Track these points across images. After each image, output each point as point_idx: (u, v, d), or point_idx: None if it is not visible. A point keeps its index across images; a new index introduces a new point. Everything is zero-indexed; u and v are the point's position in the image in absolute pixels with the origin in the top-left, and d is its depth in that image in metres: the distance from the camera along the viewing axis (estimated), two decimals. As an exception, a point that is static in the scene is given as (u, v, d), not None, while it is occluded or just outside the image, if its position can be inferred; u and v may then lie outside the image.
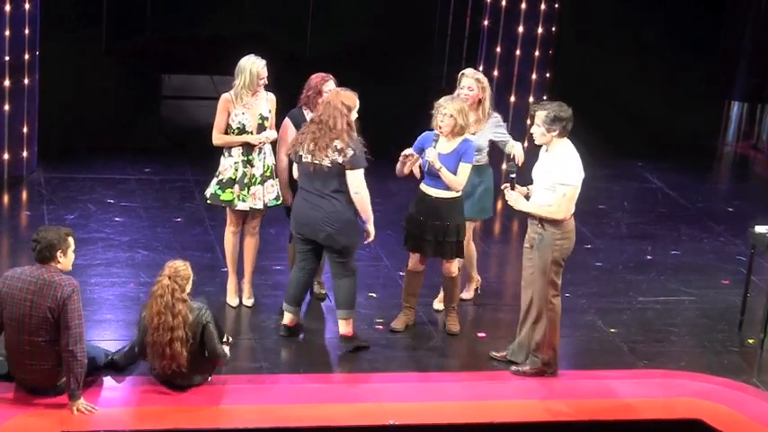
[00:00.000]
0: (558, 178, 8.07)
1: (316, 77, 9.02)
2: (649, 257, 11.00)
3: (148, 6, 15.53)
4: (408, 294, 9.07)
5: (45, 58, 11.89)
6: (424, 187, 8.73)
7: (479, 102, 9.01)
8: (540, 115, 8.10)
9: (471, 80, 8.98)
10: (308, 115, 9.01)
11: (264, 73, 8.83)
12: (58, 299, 7.37)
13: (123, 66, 14.91)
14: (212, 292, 9.17)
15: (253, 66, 8.79)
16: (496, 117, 9.14)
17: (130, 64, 15.02)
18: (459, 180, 8.61)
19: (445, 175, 8.54)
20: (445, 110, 8.55)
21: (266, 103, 8.95)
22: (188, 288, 7.69)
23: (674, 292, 10.23)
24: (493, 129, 9.06)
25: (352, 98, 8.42)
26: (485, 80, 9.06)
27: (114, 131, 13.31)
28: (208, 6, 15.19)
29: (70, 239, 7.56)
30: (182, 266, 7.71)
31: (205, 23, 15.19)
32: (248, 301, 9.29)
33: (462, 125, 8.55)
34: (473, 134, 8.83)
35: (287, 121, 9.06)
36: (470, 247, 9.41)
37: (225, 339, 8.21)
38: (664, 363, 8.88)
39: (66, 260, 7.54)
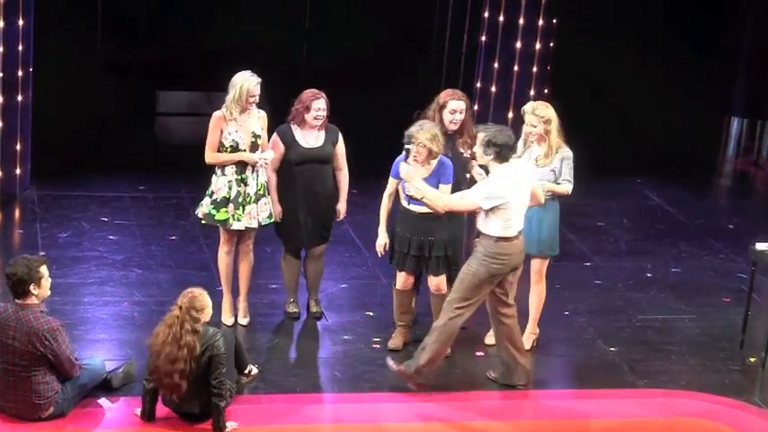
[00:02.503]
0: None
1: (307, 93, 9.04)
2: (649, 275, 10.98)
3: (143, 23, 15.52)
4: (401, 313, 9.03)
5: (38, 75, 11.89)
6: (407, 204, 8.70)
7: (545, 134, 8.74)
8: (479, 137, 8.18)
9: (532, 116, 8.72)
10: (296, 130, 9.02)
11: (256, 91, 8.77)
12: (45, 345, 7.45)
13: (118, 82, 14.90)
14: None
15: (245, 82, 8.74)
16: (566, 152, 8.74)
17: (125, 80, 15.01)
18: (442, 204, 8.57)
19: (428, 203, 8.40)
20: (417, 141, 8.49)
21: (258, 120, 8.91)
22: (204, 317, 7.53)
23: (674, 310, 10.21)
24: (558, 164, 8.72)
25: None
26: (547, 113, 8.70)
27: (108, 148, 13.30)
28: (203, 22, 15.18)
29: (42, 269, 7.55)
30: (198, 296, 7.53)
31: (201, 39, 15.18)
32: (243, 320, 9.25)
33: (437, 151, 8.49)
34: (542, 166, 8.69)
35: (275, 136, 9.07)
36: (538, 291, 9.03)
37: (247, 371, 8.19)
38: (664, 382, 8.86)
39: (41, 290, 7.57)
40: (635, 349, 9.37)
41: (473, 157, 8.65)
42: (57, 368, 7.57)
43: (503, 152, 8.07)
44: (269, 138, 9.05)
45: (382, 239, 8.83)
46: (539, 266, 8.97)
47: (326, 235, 9.34)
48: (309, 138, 9.04)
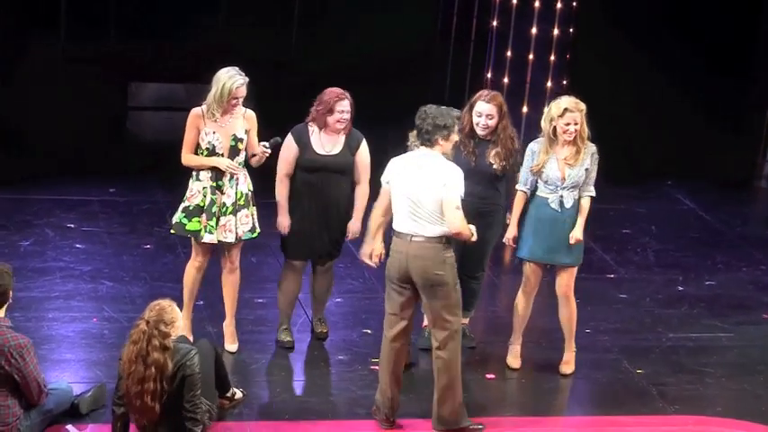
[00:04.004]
0: None
1: (330, 93, 8.91)
2: (680, 289, 11.03)
3: (113, 7, 15.51)
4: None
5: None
6: None
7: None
8: None
9: (576, 113, 8.65)
10: (312, 133, 8.94)
11: (241, 93, 8.59)
12: (11, 364, 7.48)
13: (85, 73, 14.91)
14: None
15: (229, 80, 8.57)
16: (592, 146, 8.80)
17: (93, 71, 15.02)
18: None
19: None
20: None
21: (243, 121, 8.74)
22: (174, 331, 7.52)
23: (708, 328, 10.25)
24: (589, 161, 8.76)
25: None
26: (584, 107, 8.74)
27: (75, 147, 13.31)
28: (179, 5, 15.21)
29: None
30: (167, 308, 7.51)
31: (177, 25, 15.20)
32: (232, 347, 9.12)
33: None
34: (574, 167, 8.69)
35: (289, 137, 8.96)
36: (571, 305, 9.03)
37: (230, 394, 8.22)
38: (698, 408, 8.89)
39: (9, 302, 7.63)
40: (664, 371, 9.41)
41: (505, 171, 8.90)
42: (22, 391, 7.61)
43: (417, 132, 7.99)
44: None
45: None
46: (567, 279, 8.93)
47: (335, 253, 9.29)
48: (327, 143, 8.94)
